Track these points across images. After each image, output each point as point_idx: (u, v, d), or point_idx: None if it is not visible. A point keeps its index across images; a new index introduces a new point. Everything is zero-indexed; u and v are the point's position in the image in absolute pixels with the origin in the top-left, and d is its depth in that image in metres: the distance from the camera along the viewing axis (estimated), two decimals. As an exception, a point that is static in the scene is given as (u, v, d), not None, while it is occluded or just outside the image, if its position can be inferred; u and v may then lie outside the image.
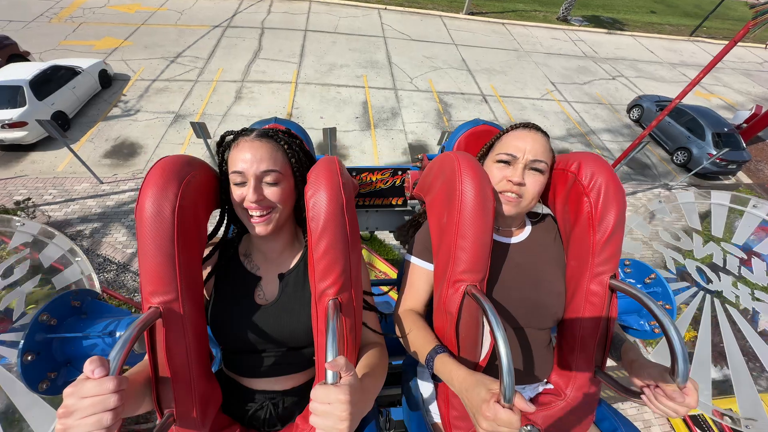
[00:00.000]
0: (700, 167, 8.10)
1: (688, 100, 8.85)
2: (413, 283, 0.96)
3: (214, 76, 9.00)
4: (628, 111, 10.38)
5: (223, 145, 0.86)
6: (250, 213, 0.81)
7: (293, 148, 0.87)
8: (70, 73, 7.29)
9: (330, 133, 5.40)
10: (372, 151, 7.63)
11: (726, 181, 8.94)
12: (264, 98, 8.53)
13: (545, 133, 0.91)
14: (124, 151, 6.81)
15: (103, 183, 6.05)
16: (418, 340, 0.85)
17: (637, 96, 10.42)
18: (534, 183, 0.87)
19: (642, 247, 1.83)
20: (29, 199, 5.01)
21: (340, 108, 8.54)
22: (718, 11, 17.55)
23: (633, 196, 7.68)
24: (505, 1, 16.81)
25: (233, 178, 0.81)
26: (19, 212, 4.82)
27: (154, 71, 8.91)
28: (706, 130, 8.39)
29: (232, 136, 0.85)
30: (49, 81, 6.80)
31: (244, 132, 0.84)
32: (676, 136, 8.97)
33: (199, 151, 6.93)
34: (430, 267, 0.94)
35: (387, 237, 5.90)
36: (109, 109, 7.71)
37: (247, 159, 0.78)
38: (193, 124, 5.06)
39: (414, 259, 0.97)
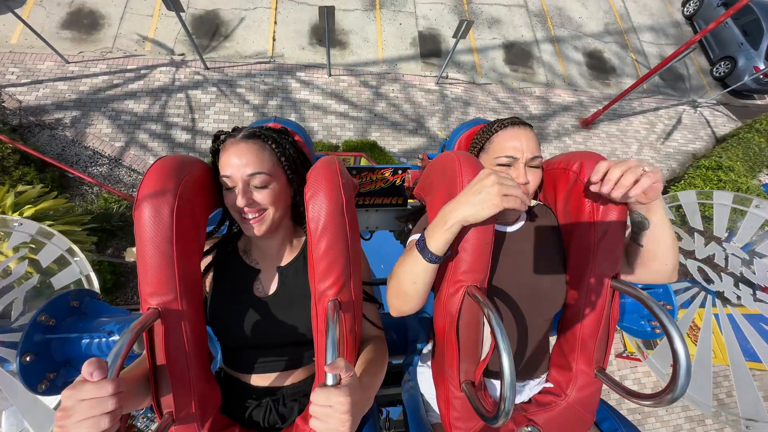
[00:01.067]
0: (739, 84, 7.28)
1: None
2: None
3: None
4: (684, 3, 8.67)
5: (213, 146, 0.84)
6: (243, 215, 0.81)
7: (282, 146, 0.84)
8: None
9: (327, 12, 4.53)
10: (376, 39, 6.58)
11: (760, 101, 8.19)
12: (244, -45, 6.80)
13: (531, 127, 0.92)
14: (84, 21, 5.77)
15: (69, 63, 5.32)
16: (400, 262, 0.82)
17: (701, -18, 8.53)
18: (535, 179, 0.89)
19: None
20: (-9, 78, 4.45)
21: (339, -24, 6.95)
22: None
23: (654, 113, 7.13)
24: None
25: (223, 183, 0.80)
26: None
27: None
28: (765, 36, 7.20)
29: (223, 136, 0.83)
30: None
31: (232, 133, 0.82)
32: (728, 41, 7.73)
33: (174, 27, 5.91)
34: None
35: (387, 145, 5.65)
36: (51, -40, 6.17)
37: (233, 163, 0.77)
38: (159, -10, 4.13)
39: (415, 235, 0.95)
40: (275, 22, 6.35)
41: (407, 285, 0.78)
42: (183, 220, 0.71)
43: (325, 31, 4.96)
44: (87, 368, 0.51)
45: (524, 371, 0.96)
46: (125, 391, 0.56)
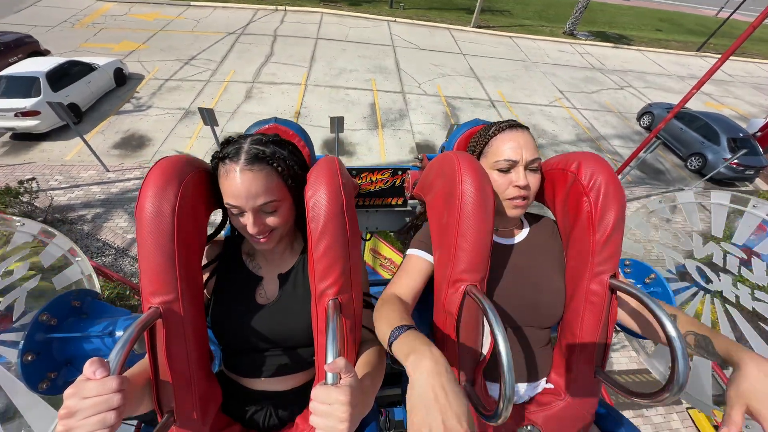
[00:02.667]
0: (715, 171, 7.88)
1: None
2: (408, 270, 0.92)
3: (225, 77, 9.18)
4: (638, 119, 10.27)
5: (213, 162, 0.81)
6: (252, 236, 0.82)
7: (288, 164, 0.82)
8: (87, 68, 7.48)
9: (337, 122, 5.36)
10: (379, 149, 7.58)
11: (743, 188, 8.65)
12: (273, 98, 8.63)
13: (528, 129, 0.91)
14: (133, 143, 6.85)
15: (109, 171, 6.04)
16: (387, 314, 0.76)
17: (647, 104, 10.34)
18: (535, 182, 0.88)
19: (641, 247, 1.81)
20: (33, 178, 4.98)
21: (348, 108, 8.59)
22: (723, 30, 17.71)
23: (647, 199, 7.44)
24: (511, 17, 17.21)
25: (229, 208, 0.79)
26: (22, 191, 4.78)
27: (168, 71, 9.13)
28: (720, 135, 8.21)
29: (221, 154, 0.78)
30: (66, 75, 6.98)
31: (232, 155, 0.76)
32: (690, 141, 8.78)
33: (207, 144, 6.94)
34: (428, 257, 0.92)
35: (393, 230, 5.73)
36: (121, 105, 7.85)
37: (241, 194, 0.75)
38: (201, 109, 5.06)
39: (412, 251, 0.96)
40: (293, 139, 7.47)
41: (380, 335, 0.76)
42: (185, 219, 0.71)
43: (336, 139, 5.76)
44: (89, 367, 0.51)
45: (524, 375, 0.94)
46: (127, 389, 0.55)
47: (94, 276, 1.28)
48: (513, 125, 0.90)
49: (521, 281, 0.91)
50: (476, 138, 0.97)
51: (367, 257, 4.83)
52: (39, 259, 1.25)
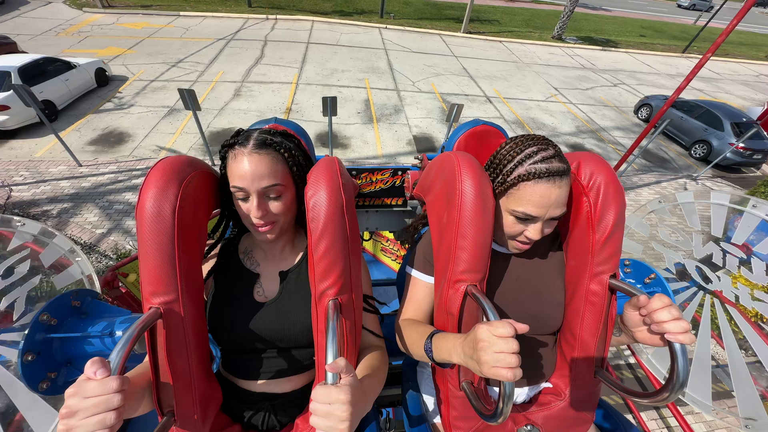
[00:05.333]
0: (722, 157, 7.65)
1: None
2: (414, 296, 0.94)
3: (214, 77, 8.89)
4: (636, 111, 10.15)
5: (222, 151, 0.82)
6: (256, 224, 0.81)
7: (293, 154, 0.83)
8: (65, 66, 7.11)
9: (330, 102, 4.98)
10: (375, 141, 7.21)
11: (750, 174, 8.40)
12: (263, 96, 8.31)
13: (568, 170, 0.77)
14: (111, 140, 6.39)
15: (81, 166, 5.54)
16: (415, 334, 0.83)
17: (644, 96, 10.26)
18: (550, 229, 0.82)
19: (641, 247, 1.82)
20: (-11, 169, 4.46)
21: (341, 104, 8.26)
22: (704, 35, 18.23)
23: (658, 185, 7.11)
24: (500, 25, 17.53)
25: (235, 193, 0.78)
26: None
27: (154, 73, 8.81)
28: (723, 121, 8.04)
29: (230, 141, 0.80)
30: (42, 71, 6.60)
31: (241, 141, 0.78)
32: (692, 130, 8.60)
33: (191, 140, 6.51)
34: (431, 280, 0.92)
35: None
36: (101, 104, 7.44)
37: (247, 175, 0.75)
38: (180, 91, 4.66)
39: (415, 273, 0.95)
40: (284, 133, 7.08)
41: (415, 352, 0.83)
42: (185, 220, 0.71)
43: (329, 124, 5.37)
44: (90, 367, 0.51)
45: (526, 379, 0.94)
46: (128, 389, 0.54)
47: (94, 276, 1.26)
48: (553, 174, 0.74)
49: (521, 291, 0.90)
50: (502, 160, 0.82)
51: (367, 244, 4.33)
52: (39, 259, 1.24)
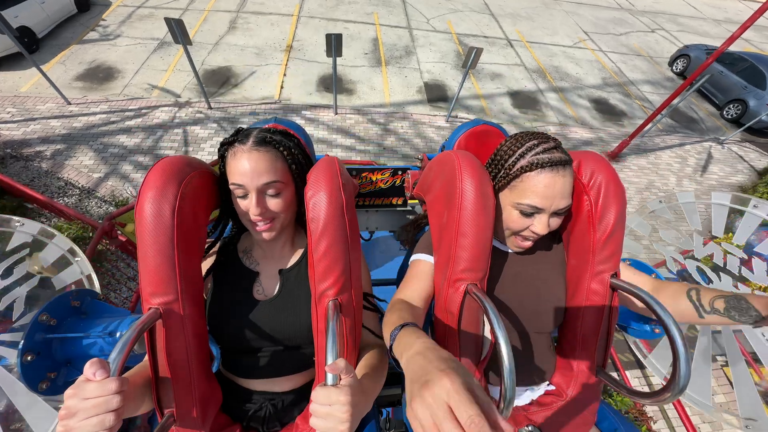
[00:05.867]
0: (756, 120, 7.06)
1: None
2: (416, 275, 0.90)
3: (206, 5, 7.98)
4: (671, 63, 9.20)
5: (221, 149, 0.82)
6: (254, 222, 0.80)
7: (293, 153, 0.84)
8: (39, -15, 6.33)
9: (334, 40, 4.47)
10: (383, 88, 6.67)
11: (783, 141, 7.86)
12: (261, 30, 7.53)
13: (570, 162, 0.77)
14: (100, 75, 5.94)
15: (71, 104, 5.22)
16: (395, 318, 0.73)
17: (683, 45, 9.22)
18: (556, 224, 0.80)
19: (642, 247, 1.76)
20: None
21: (347, 43, 7.51)
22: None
23: (681, 148, 6.70)
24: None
25: (234, 190, 0.79)
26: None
27: (139, -2, 7.90)
28: (767, 77, 7.28)
29: (230, 139, 0.81)
30: (13, -8, 5.88)
31: (240, 138, 0.79)
32: (729, 87, 7.84)
33: (185, 78, 6.04)
34: (432, 260, 0.89)
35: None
36: (85, 33, 6.79)
37: (246, 172, 0.76)
38: (168, 20, 4.16)
39: (418, 255, 0.93)
40: (284, 75, 6.55)
41: (385, 335, 0.75)
42: (184, 220, 0.71)
43: (332, 61, 4.89)
44: (90, 368, 0.51)
45: (527, 380, 0.92)
46: (127, 390, 0.54)
47: (94, 276, 1.24)
48: (555, 164, 0.74)
49: (521, 288, 0.89)
50: (507, 158, 0.80)
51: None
52: (38, 259, 1.23)
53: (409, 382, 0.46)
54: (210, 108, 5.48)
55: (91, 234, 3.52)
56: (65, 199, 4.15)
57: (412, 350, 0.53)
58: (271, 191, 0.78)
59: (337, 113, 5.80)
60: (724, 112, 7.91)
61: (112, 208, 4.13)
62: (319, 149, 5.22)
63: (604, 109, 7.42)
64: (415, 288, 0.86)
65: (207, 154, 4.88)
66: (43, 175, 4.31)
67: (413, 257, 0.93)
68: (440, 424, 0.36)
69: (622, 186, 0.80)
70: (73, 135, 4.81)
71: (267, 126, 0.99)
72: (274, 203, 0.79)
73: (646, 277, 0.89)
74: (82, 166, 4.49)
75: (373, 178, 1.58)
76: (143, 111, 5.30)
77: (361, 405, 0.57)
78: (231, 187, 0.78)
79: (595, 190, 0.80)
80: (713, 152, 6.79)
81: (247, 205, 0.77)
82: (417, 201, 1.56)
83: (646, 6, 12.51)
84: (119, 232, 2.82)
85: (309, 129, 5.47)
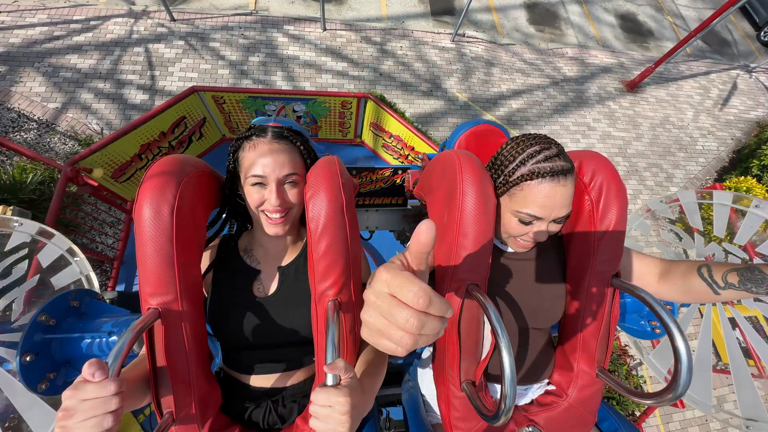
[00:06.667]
0: (796, 45, 6.34)
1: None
2: None
3: None
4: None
5: (235, 144, 0.83)
6: (268, 215, 0.81)
7: (307, 147, 0.86)
8: None
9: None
10: (378, -4, 5.61)
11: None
12: None
13: (572, 169, 0.75)
14: (27, -29, 4.78)
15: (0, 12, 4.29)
16: None
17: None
18: (555, 230, 0.79)
19: (643, 247, 1.54)
20: None
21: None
22: None
23: (706, 77, 6.12)
24: None
25: (251, 180, 0.79)
26: None
27: None
28: (823, -10, 6.30)
29: (247, 133, 0.82)
30: None
31: (258, 133, 0.81)
32: (776, 1, 6.83)
33: (136, -23, 4.90)
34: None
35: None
36: None
37: (268, 163, 0.77)
38: None
39: None
40: (260, -25, 5.38)
41: None
42: (183, 220, 0.71)
43: (318, -40, 3.94)
44: (88, 369, 0.50)
45: (527, 377, 0.93)
46: (125, 391, 0.54)
47: (93, 276, 1.25)
48: (557, 173, 0.72)
49: (522, 288, 0.89)
50: (504, 161, 0.80)
51: (366, 136, 3.84)
52: (37, 259, 1.24)
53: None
54: (173, 20, 4.59)
55: (57, 175, 3.21)
56: (22, 134, 3.69)
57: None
58: (289, 183, 0.80)
59: (325, 29, 4.95)
60: (762, 34, 7.05)
61: (78, 147, 3.71)
62: (306, 74, 4.58)
63: (631, 27, 6.51)
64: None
65: (178, 79, 4.25)
66: (-12, 104, 3.74)
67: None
68: (391, 316, 0.35)
69: (624, 186, 0.81)
70: (12, 54, 4.06)
71: (272, 125, 1.02)
72: (292, 194, 0.80)
73: (655, 259, 0.87)
74: (32, 94, 3.90)
75: (373, 178, 1.59)
76: (92, 23, 4.42)
77: (360, 405, 0.58)
78: (250, 178, 0.77)
79: (596, 190, 0.80)
80: (739, 82, 6.23)
81: (265, 196, 0.78)
82: (417, 200, 1.54)
83: None
84: (87, 177, 2.54)
85: (294, 49, 4.71)
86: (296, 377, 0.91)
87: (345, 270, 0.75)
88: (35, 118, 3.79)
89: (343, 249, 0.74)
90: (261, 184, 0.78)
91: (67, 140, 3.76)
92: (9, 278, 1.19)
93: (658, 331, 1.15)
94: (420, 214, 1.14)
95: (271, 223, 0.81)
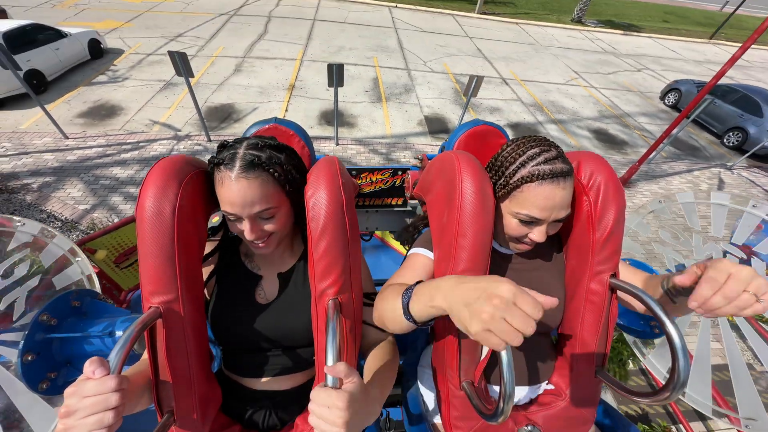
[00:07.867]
0: (760, 146, 7.02)
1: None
2: (411, 266, 0.87)
3: (214, 52, 8.40)
4: (662, 97, 9.48)
5: (209, 166, 0.78)
6: (251, 242, 0.81)
7: (284, 169, 0.78)
8: (56, 35, 6.68)
9: (336, 70, 4.49)
10: (383, 121, 6.71)
11: (790, 166, 7.75)
12: (265, 72, 7.82)
13: (572, 171, 0.76)
14: (102, 113, 5.98)
15: (68, 138, 5.15)
16: (395, 293, 0.71)
17: (673, 80, 9.57)
18: (554, 231, 0.81)
19: (641, 247, 1.70)
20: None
21: (348, 82, 7.75)
22: (732, 21, 17.20)
23: (690, 174, 6.55)
24: (515, 7, 16.68)
25: (226, 215, 0.78)
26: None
27: (151, 47, 8.34)
28: (762, 106, 7.39)
29: (216, 159, 0.76)
30: (30, 39, 6.18)
31: (227, 162, 0.73)
32: (725, 116, 7.95)
33: (187, 114, 6.08)
34: (432, 255, 0.88)
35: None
36: (94, 76, 7.01)
37: (237, 202, 0.73)
38: (171, 53, 4.20)
39: (417, 249, 0.92)
40: (286, 110, 6.62)
41: (389, 322, 0.72)
42: (185, 219, 0.71)
43: (334, 91, 4.89)
44: (89, 367, 0.51)
45: (526, 379, 0.93)
46: (126, 389, 0.54)
47: (94, 276, 1.26)
48: (557, 175, 0.73)
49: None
50: (504, 162, 0.80)
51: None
52: (39, 259, 1.24)
53: (462, 306, 0.49)
54: (209, 141, 5.41)
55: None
56: (44, 231, 3.85)
57: (446, 285, 0.55)
58: (264, 215, 0.77)
59: (338, 144, 5.72)
60: (725, 140, 7.92)
61: (93, 240, 3.81)
62: (319, 179, 5.04)
63: (605, 138, 7.42)
64: (410, 278, 0.82)
65: (202, 184, 4.68)
66: (25, 207, 4.06)
67: (411, 251, 0.92)
68: (513, 320, 0.44)
69: (622, 186, 0.80)
70: (65, 168, 4.65)
71: (264, 128, 0.97)
72: (269, 225, 0.78)
73: (642, 274, 0.86)
74: (68, 198, 4.26)
75: (373, 178, 1.57)
76: (141, 144, 5.22)
77: (363, 412, 0.56)
78: (223, 212, 0.76)
79: (594, 190, 0.80)
80: (723, 177, 6.62)
81: (242, 228, 0.77)
82: (417, 201, 1.54)
83: (629, 50, 13.34)
84: (90, 258, 2.48)
85: (309, 159, 5.34)
86: (296, 379, 0.91)
87: (345, 269, 0.74)
88: (62, 218, 4.03)
89: (343, 248, 0.74)
90: (236, 219, 0.76)
91: (83, 235, 3.87)
92: (11, 278, 1.17)
93: (657, 331, 1.14)
94: (421, 218, 1.15)
95: (256, 249, 0.81)
